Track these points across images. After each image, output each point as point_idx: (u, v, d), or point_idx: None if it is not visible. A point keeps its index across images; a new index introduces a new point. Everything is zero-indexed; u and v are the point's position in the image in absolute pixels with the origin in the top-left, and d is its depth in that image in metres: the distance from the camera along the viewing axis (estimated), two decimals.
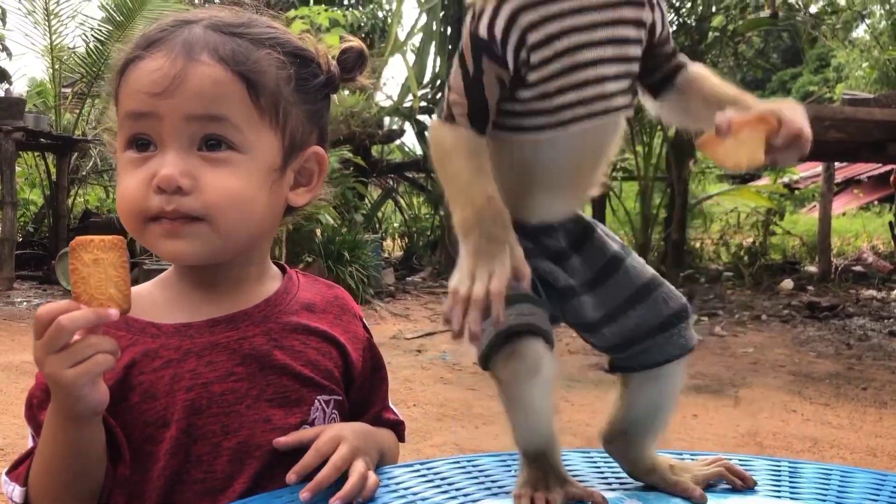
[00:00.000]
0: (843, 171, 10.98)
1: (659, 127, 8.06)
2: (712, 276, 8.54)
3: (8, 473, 0.84)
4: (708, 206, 9.91)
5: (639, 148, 8.22)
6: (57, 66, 8.80)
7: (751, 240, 9.11)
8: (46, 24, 8.55)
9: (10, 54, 8.46)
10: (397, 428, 0.98)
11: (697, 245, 9.39)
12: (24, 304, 6.41)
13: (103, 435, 0.79)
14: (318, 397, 0.86)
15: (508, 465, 0.89)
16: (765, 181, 11.22)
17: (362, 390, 0.94)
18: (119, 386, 0.81)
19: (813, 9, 7.59)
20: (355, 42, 0.94)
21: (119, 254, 0.74)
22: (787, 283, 8.00)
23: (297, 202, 0.88)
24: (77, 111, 8.86)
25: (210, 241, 0.80)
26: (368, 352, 0.95)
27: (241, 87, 0.81)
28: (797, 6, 7.17)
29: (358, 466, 0.80)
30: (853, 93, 5.99)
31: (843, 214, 14.03)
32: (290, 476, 0.79)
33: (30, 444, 0.85)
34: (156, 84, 0.79)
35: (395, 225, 9.94)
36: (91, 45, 8.54)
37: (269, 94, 0.83)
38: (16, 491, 0.82)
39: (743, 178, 13.87)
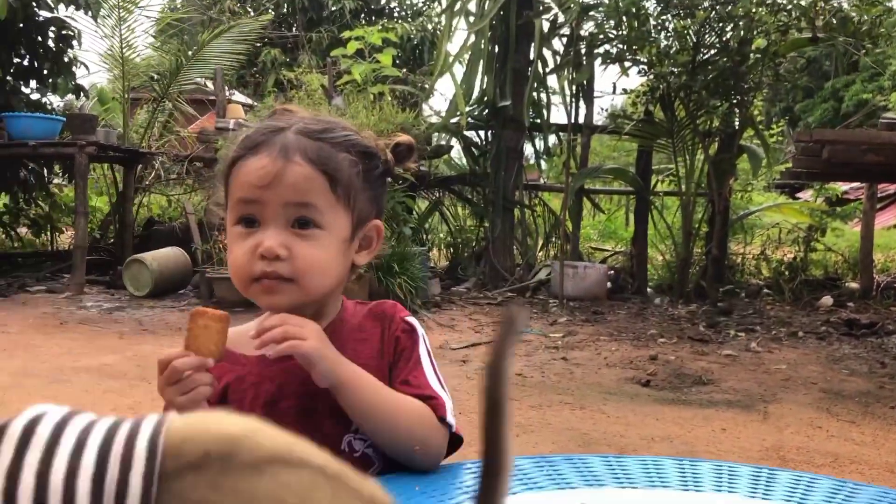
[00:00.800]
0: None
1: (700, 145, 8.24)
2: (752, 291, 8.67)
3: None
4: (751, 220, 10.01)
5: (680, 158, 8.39)
6: (127, 85, 9.35)
7: (792, 255, 9.21)
8: (119, 46, 9.12)
9: (88, 69, 9.09)
10: (427, 402, 1.09)
11: (739, 260, 9.51)
12: (95, 308, 6.86)
13: None
14: None
15: (542, 466, 1.16)
16: (808, 194, 11.26)
17: (393, 371, 1.13)
18: (220, 403, 1.10)
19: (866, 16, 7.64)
20: (405, 138, 1.21)
21: (223, 325, 1.02)
22: (827, 300, 8.09)
23: (359, 262, 1.15)
24: (144, 126, 9.41)
25: (297, 297, 1.08)
26: (393, 343, 1.14)
27: (324, 181, 1.08)
28: (837, 28, 7.28)
29: (292, 334, 1.02)
30: (891, 117, 6.13)
31: (894, 227, 13.93)
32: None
33: None
34: (262, 179, 1.06)
35: (441, 236, 10.23)
36: (168, 64, 9.14)
37: (344, 185, 1.09)
38: None
39: (793, 190, 13.86)
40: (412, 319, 1.18)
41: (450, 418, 1.10)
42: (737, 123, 8.05)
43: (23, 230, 10.23)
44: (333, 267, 1.11)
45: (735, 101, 7.75)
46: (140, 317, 6.45)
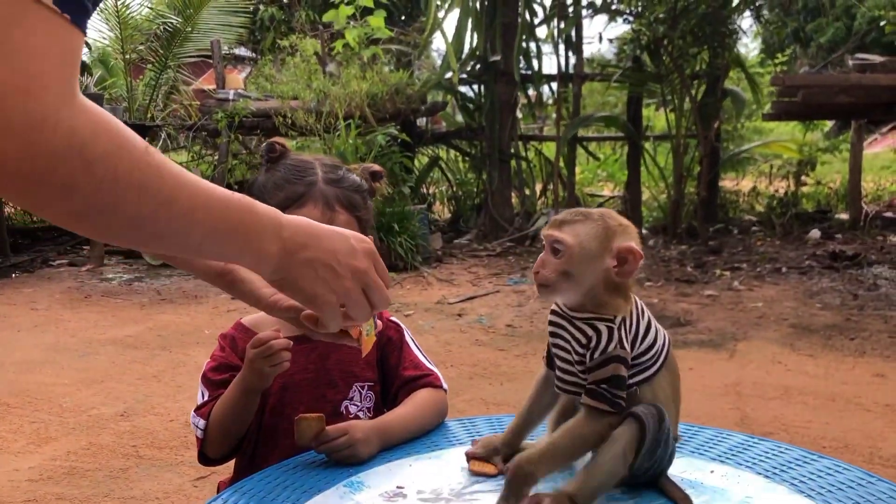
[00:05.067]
0: None
1: (687, 89, 8.46)
2: (744, 228, 8.97)
3: (195, 411, 1.45)
4: (747, 157, 10.24)
5: (669, 102, 8.62)
6: (128, 57, 9.63)
7: (783, 191, 9.47)
8: (117, 19, 9.37)
9: (90, 48, 9.34)
10: (426, 379, 1.43)
11: (732, 197, 9.79)
12: (116, 280, 7.29)
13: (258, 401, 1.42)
14: (356, 384, 1.47)
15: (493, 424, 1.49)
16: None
17: (388, 364, 1.50)
18: None
19: None
20: (374, 166, 1.57)
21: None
22: (815, 233, 8.39)
23: None
24: (148, 96, 9.72)
25: None
26: (382, 342, 1.49)
27: (356, 223, 1.43)
28: None
29: (343, 443, 1.26)
30: (862, 57, 6.32)
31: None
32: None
33: (200, 398, 1.45)
34: None
35: (443, 189, 10.54)
36: (163, 37, 9.39)
37: (365, 219, 1.46)
38: (200, 422, 1.43)
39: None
40: (395, 319, 1.54)
41: (444, 385, 1.47)
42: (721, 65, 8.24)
43: None
44: None
45: (716, 46, 7.94)
46: (158, 286, 6.88)
